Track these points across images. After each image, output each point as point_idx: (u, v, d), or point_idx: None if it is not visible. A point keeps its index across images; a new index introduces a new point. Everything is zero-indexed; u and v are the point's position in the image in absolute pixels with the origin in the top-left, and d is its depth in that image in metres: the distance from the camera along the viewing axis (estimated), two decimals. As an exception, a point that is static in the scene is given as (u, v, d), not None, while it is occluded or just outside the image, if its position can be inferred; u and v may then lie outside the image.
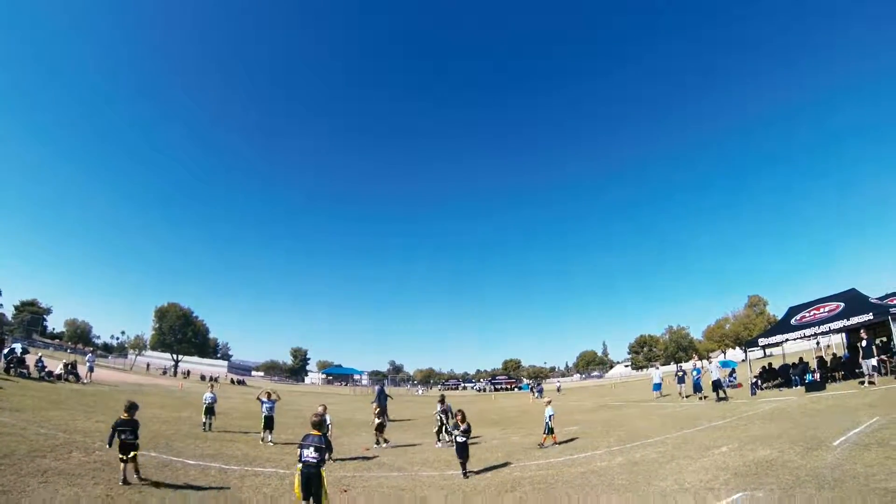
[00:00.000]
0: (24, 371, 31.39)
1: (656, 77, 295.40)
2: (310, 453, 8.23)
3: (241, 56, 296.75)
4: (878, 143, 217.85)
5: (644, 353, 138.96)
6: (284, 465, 13.28)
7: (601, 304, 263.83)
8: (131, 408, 10.43)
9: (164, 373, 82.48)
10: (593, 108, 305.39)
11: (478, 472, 12.85)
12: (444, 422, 18.70)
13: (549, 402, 18.04)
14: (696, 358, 37.96)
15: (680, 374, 33.15)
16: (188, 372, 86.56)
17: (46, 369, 33.26)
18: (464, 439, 12.82)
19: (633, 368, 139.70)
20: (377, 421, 18.91)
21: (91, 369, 38.70)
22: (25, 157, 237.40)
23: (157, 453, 13.45)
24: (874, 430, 12.35)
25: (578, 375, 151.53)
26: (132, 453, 9.96)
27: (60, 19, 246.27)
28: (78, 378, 35.51)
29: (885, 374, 23.86)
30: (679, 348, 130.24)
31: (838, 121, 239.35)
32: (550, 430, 17.03)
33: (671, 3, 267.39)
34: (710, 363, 33.90)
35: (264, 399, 18.15)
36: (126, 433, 9.99)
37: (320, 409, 10.40)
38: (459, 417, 13.58)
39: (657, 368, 46.33)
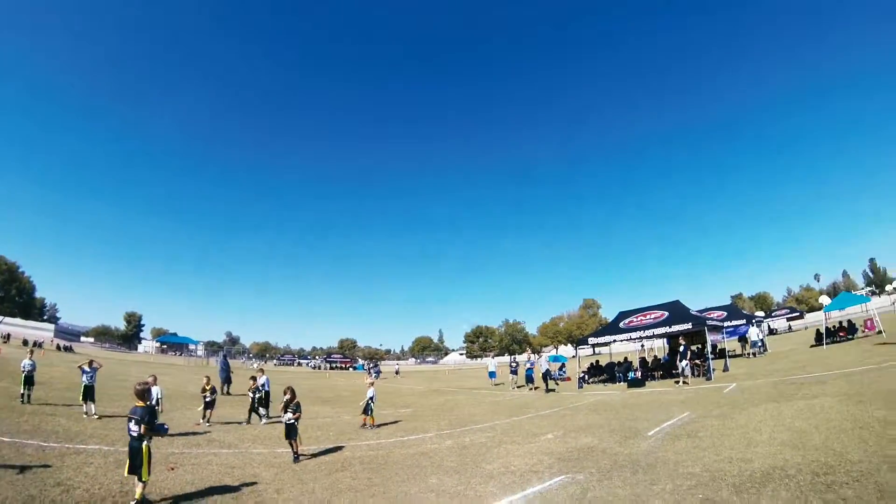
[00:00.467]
0: None
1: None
2: (131, 426, 7.73)
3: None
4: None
5: (480, 343, 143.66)
6: (109, 441, 12.22)
7: (440, 292, 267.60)
8: None
9: None
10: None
11: (311, 454, 12.32)
12: (260, 399, 18.19)
13: (372, 384, 17.62)
14: (530, 351, 39.56)
15: (513, 365, 34.53)
16: (8, 335, 77.37)
17: None
18: (292, 419, 11.82)
19: (468, 357, 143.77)
20: (210, 397, 17.06)
21: None
22: None
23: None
24: (685, 424, 13.24)
25: (414, 360, 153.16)
26: None
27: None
28: None
29: (698, 375, 26.26)
30: (514, 341, 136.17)
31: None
32: (370, 412, 16.82)
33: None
34: (540, 357, 35.40)
35: (85, 367, 16.46)
36: None
37: (149, 378, 9.29)
38: (289, 395, 12.33)
39: (492, 358, 47.89)
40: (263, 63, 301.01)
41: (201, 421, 16.49)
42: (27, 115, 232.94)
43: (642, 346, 37.25)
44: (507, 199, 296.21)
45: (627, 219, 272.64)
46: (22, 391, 17.07)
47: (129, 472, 7.59)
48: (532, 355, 40.73)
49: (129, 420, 7.79)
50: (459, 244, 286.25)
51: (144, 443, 7.68)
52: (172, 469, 9.69)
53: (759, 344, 37.11)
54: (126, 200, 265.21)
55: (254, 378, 19.21)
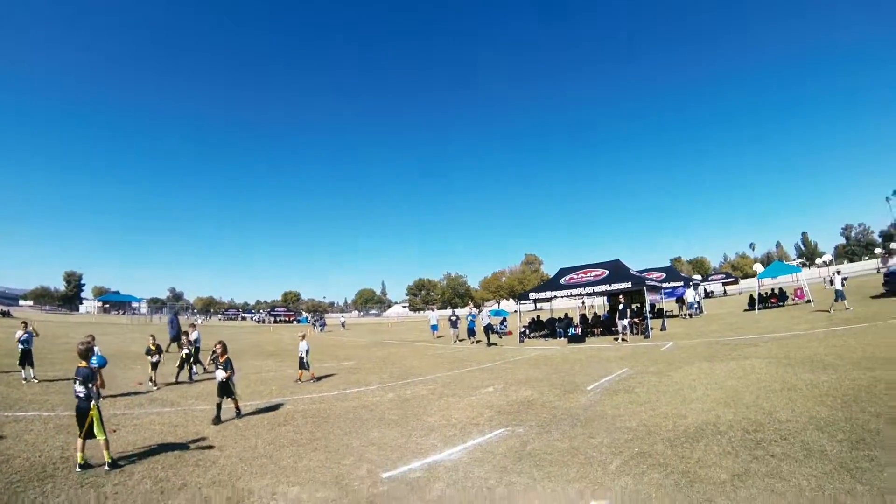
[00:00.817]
0: None
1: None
2: (76, 387, 7.63)
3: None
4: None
5: (422, 295, 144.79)
6: (49, 407, 11.94)
7: (383, 244, 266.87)
8: None
9: None
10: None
11: (254, 409, 12.13)
12: (190, 355, 17.54)
13: (304, 337, 17.42)
14: (472, 305, 39.86)
15: (453, 318, 34.72)
16: None
17: None
18: (224, 378, 11.07)
19: (410, 310, 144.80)
20: (156, 358, 16.03)
21: None
22: None
23: None
24: (622, 379, 13.58)
25: (357, 312, 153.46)
26: None
27: None
28: None
29: (636, 333, 27.22)
30: (455, 294, 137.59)
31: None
32: (306, 366, 16.74)
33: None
34: (482, 311, 35.70)
35: (20, 332, 15.80)
36: None
37: (87, 338, 8.84)
38: (219, 350, 11.46)
39: (434, 311, 48.10)
40: None
41: (148, 382, 15.55)
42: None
43: (583, 303, 37.97)
44: (453, 150, 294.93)
45: (571, 176, 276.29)
46: None
47: (86, 437, 7.45)
48: (474, 309, 40.94)
49: (74, 381, 7.68)
50: (402, 195, 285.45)
51: (92, 402, 7.57)
52: (114, 431, 9.39)
53: (696, 305, 38.74)
54: (59, 158, 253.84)
55: (186, 333, 18.74)
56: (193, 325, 18.96)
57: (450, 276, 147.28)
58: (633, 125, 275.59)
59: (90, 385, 7.66)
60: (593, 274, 29.58)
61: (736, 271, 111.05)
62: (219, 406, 10.95)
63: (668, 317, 33.34)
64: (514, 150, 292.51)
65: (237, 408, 11.29)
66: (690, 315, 37.43)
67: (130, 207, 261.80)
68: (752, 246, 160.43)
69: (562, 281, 31.21)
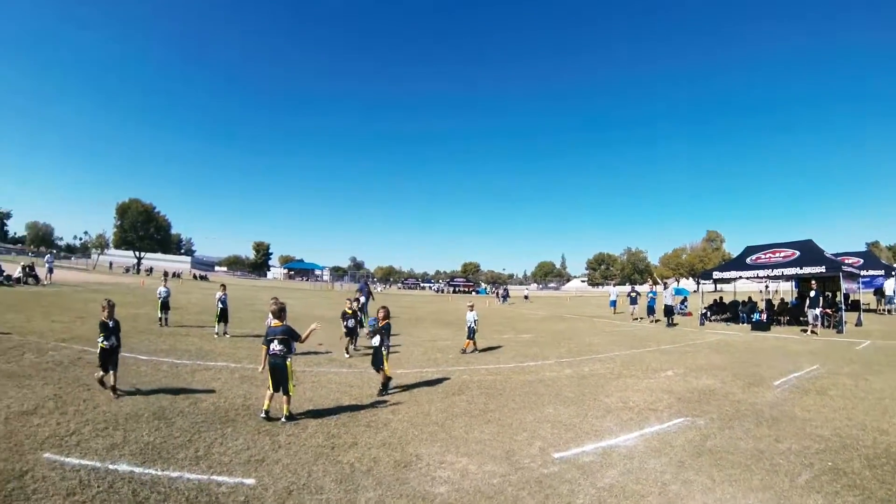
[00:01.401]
0: (-18, 276, 30.35)
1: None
2: (275, 345, 8.26)
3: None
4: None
5: (601, 270, 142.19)
6: (235, 360, 13.24)
7: (562, 216, 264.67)
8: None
9: (127, 271, 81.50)
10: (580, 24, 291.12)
11: (428, 377, 12.45)
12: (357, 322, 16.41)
13: (472, 307, 17.24)
14: (651, 282, 38.68)
15: (633, 294, 33.94)
16: (151, 269, 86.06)
17: (4, 273, 32.29)
18: (378, 342, 10.57)
19: (589, 284, 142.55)
20: (352, 324, 15.56)
21: (50, 270, 38.07)
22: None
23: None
24: (814, 378, 12.81)
25: (535, 285, 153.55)
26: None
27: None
28: (37, 280, 34.74)
29: (828, 326, 24.85)
30: (635, 270, 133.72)
31: (838, 79, 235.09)
32: (472, 336, 16.79)
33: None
34: (664, 289, 34.59)
35: (219, 293, 17.84)
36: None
37: (274, 299, 9.50)
38: (382, 314, 11.02)
39: (613, 287, 47.21)
40: None
41: (344, 352, 15.18)
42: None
43: (766, 286, 35.26)
44: (628, 124, 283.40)
45: (755, 151, 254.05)
46: (159, 315, 19.00)
47: (274, 390, 8.20)
48: (654, 286, 39.75)
49: (271, 340, 8.29)
50: (583, 170, 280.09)
51: (288, 360, 8.26)
52: (294, 386, 10.32)
53: (898, 300, 34.35)
54: (249, 140, 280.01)
55: (357, 300, 18.80)
56: (223, 286, 18.93)
57: (630, 250, 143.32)
58: (820, 88, 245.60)
59: (290, 343, 8.33)
60: (783, 255, 27.48)
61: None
62: (384, 383, 10.65)
63: (864, 310, 30.28)
64: (692, 121, 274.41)
65: (384, 381, 10.61)
66: (890, 311, 33.53)
67: (317, 180, 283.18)
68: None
69: (748, 260, 29.41)
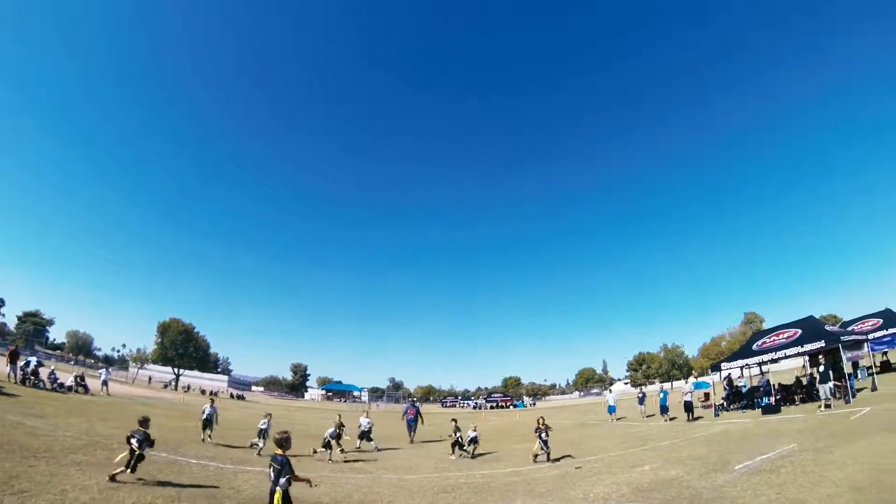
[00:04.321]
0: (38, 383, 33.34)
1: (651, 81, 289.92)
2: (270, 472, 8.47)
3: (239, 52, 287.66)
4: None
5: (643, 370, 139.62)
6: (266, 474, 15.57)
7: (601, 320, 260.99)
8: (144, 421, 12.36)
9: (166, 386, 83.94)
10: (588, 114, 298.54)
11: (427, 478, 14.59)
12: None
13: (456, 421, 21.50)
14: (694, 376, 38.79)
15: (640, 395, 34.63)
16: (188, 386, 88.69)
17: (58, 381, 35.12)
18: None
19: (631, 385, 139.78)
20: (335, 432, 20.29)
21: (105, 383, 41.32)
22: (27, 161, 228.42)
23: (165, 454, 15.86)
24: (779, 457, 13.40)
25: (578, 393, 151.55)
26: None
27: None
28: (87, 390, 37.42)
29: (839, 398, 25.06)
30: (674, 366, 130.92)
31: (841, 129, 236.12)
32: (459, 445, 20.45)
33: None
34: (686, 384, 35.08)
35: (264, 420, 20.95)
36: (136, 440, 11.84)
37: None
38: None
39: (610, 392, 47.60)
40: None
41: (320, 450, 20.09)
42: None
43: (803, 364, 34.95)
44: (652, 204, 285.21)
45: (785, 212, 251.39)
46: (203, 432, 21.00)
47: None
48: (688, 380, 40.00)
49: (269, 466, 8.50)
50: (618, 273, 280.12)
51: (278, 488, 8.25)
52: (316, 486, 11.09)
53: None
54: (286, 254, 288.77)
55: (454, 420, 23.15)
56: (269, 414, 22.48)
57: (666, 347, 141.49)
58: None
59: (282, 472, 8.29)
60: (786, 335, 28.23)
61: None
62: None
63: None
64: (718, 202, 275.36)
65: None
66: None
67: (355, 302, 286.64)
68: None
69: (754, 346, 30.19)
